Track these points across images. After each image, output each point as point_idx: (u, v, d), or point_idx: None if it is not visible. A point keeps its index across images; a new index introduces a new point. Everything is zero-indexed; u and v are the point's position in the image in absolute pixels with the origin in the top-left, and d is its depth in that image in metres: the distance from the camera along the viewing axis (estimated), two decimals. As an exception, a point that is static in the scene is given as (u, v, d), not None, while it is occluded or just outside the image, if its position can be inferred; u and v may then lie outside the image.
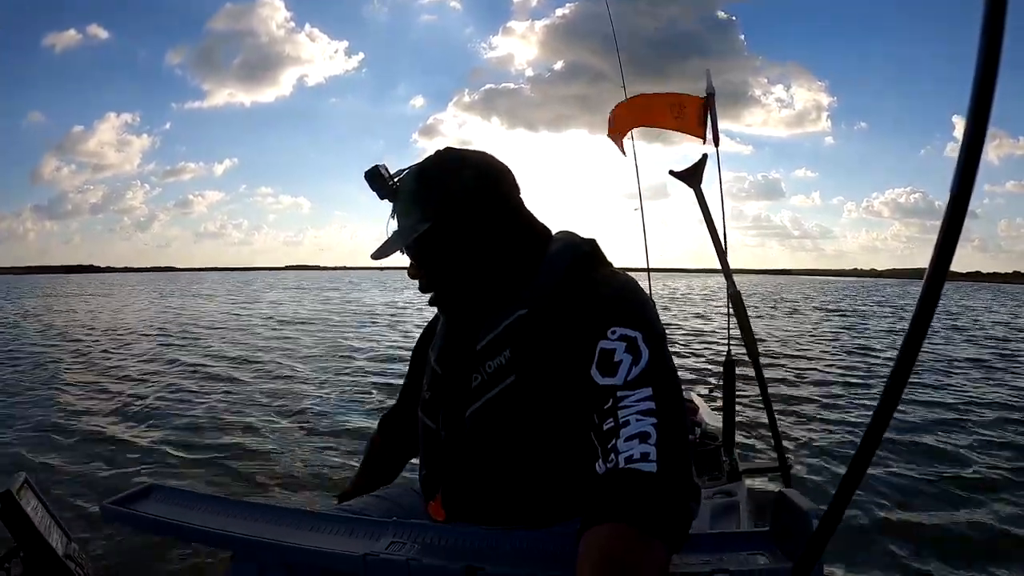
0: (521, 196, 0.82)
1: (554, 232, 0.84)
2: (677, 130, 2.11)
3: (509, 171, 0.81)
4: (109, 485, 2.87)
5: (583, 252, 0.79)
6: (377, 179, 0.79)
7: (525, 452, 0.74)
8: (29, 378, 6.03)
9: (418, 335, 1.00)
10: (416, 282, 0.82)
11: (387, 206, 0.81)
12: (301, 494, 2.81)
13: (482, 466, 0.77)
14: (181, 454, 3.48)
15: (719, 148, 2.12)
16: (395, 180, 0.80)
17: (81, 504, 2.59)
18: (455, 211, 0.76)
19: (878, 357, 7.34)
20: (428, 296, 0.83)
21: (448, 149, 0.80)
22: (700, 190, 1.98)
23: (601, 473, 0.60)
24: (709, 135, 2.08)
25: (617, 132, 2.26)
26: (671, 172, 2.00)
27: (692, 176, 1.97)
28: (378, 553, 0.65)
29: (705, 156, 1.99)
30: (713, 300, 19.75)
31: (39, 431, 4.03)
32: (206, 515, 0.77)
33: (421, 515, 0.84)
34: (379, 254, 0.79)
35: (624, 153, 2.29)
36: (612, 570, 0.52)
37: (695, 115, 2.07)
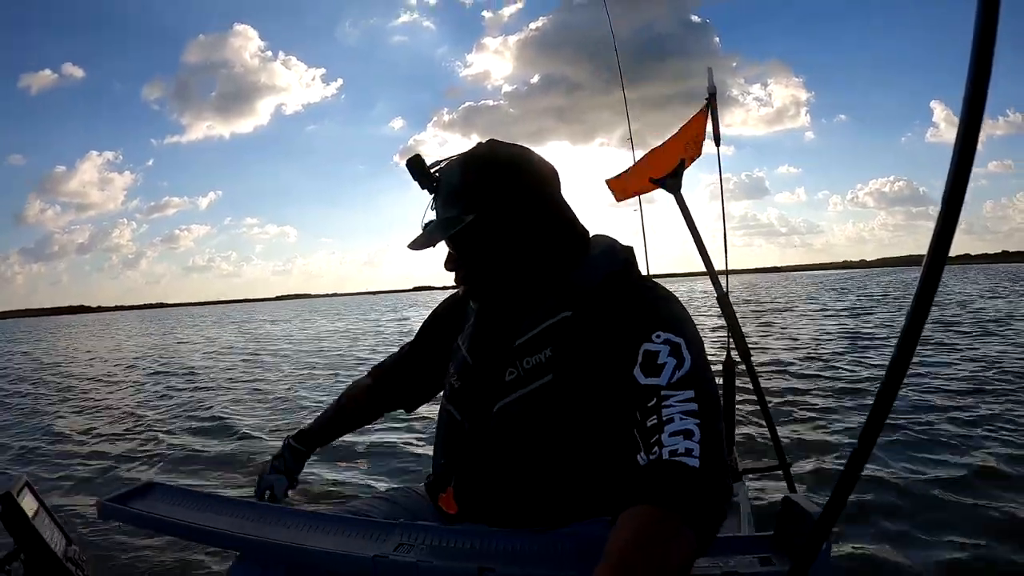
0: (563, 194, 0.82)
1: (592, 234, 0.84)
2: (692, 159, 2.05)
3: (553, 168, 0.81)
4: (109, 486, 2.85)
5: (624, 258, 0.80)
6: (418, 168, 0.79)
7: (549, 451, 0.74)
8: (24, 388, 6.00)
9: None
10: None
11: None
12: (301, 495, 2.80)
13: (503, 461, 0.76)
14: (181, 455, 3.46)
15: (720, 147, 2.11)
16: (434, 171, 0.80)
17: (80, 505, 2.57)
18: (500, 205, 0.76)
19: (877, 351, 7.25)
20: (462, 287, 0.82)
21: (492, 142, 0.80)
22: (680, 195, 1.96)
23: (643, 464, 0.60)
24: (709, 131, 2.06)
25: (624, 197, 2.13)
26: (650, 179, 1.98)
27: (672, 181, 1.94)
28: (387, 555, 0.65)
29: (683, 161, 1.97)
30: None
31: (38, 434, 4.01)
32: (209, 514, 0.76)
33: (427, 517, 0.83)
34: (418, 245, 0.79)
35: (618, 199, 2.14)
36: (645, 543, 0.53)
37: (700, 130, 2.04)
